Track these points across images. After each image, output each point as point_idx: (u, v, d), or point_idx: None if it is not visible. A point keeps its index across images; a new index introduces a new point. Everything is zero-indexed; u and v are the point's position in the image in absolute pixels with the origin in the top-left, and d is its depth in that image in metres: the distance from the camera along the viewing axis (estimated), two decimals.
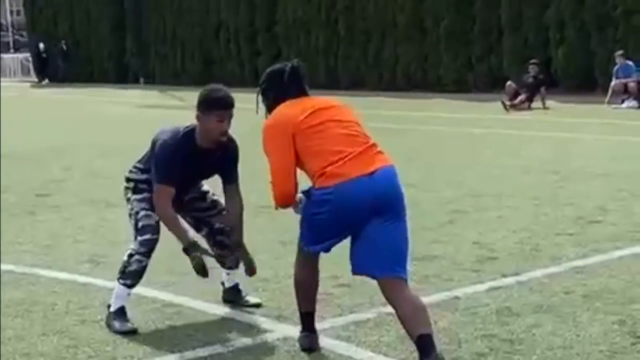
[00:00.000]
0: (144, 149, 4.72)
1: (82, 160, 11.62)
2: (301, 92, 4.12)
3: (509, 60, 20.69)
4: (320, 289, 4.34)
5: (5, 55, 40.84)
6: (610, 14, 18.92)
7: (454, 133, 13.86)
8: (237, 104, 4.53)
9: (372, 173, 3.85)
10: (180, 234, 4.50)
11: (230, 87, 4.91)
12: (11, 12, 48.08)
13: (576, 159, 10.38)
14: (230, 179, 4.65)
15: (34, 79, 35.56)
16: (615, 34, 18.84)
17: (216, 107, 4.42)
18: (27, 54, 37.52)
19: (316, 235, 3.99)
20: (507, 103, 16.93)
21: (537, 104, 17.35)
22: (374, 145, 3.98)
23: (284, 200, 4.00)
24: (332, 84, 23.01)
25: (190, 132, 4.51)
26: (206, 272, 4.46)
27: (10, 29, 47.02)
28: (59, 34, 33.83)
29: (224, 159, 4.59)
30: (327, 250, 4.06)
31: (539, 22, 20.29)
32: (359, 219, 3.85)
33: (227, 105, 4.45)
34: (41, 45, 34.03)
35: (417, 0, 22.57)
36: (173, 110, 18.87)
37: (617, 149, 11.12)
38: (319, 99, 4.16)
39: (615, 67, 17.40)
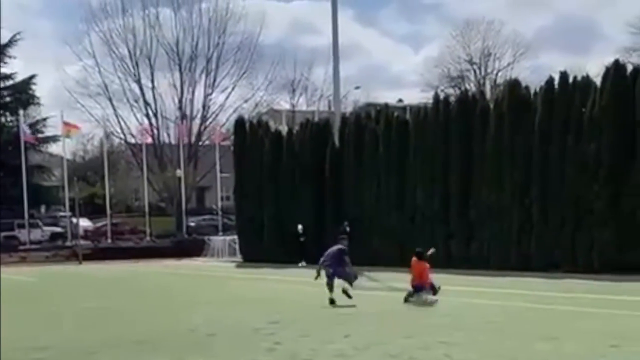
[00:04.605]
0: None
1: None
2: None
3: None
4: None
5: (214, 238, 43.84)
6: None
7: None
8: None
9: None
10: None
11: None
12: (222, 198, 51.94)
13: None
14: None
15: (239, 259, 37.59)
16: None
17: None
18: (235, 236, 39.80)
19: None
20: None
21: None
22: None
23: None
24: (524, 266, 23.20)
25: None
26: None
27: (219, 213, 50.58)
28: (264, 219, 35.64)
29: None
30: None
31: None
32: None
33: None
34: (299, 227, 33.43)
35: (614, 186, 22.75)
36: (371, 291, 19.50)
37: None
38: None
39: None
